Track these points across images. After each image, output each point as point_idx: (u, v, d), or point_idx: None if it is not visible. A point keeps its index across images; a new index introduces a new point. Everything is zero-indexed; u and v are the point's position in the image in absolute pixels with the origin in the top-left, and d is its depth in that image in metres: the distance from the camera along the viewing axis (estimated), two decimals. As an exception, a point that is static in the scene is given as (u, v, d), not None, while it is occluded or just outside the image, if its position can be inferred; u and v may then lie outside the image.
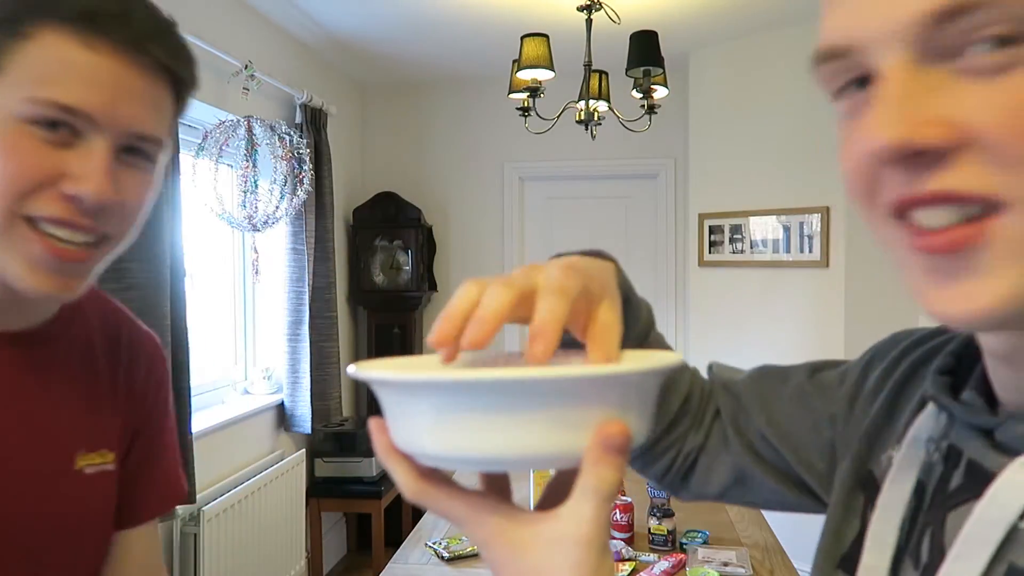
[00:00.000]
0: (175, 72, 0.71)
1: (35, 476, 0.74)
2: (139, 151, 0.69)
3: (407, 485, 0.40)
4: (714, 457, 0.67)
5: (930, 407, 0.45)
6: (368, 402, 4.25)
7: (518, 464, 0.36)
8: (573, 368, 0.35)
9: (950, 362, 0.47)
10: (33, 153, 0.63)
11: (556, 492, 0.41)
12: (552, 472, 0.43)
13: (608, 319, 0.43)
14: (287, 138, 2.90)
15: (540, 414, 0.34)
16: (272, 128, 2.88)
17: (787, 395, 0.64)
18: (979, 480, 0.38)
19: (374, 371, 0.36)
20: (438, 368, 0.42)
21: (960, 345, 0.48)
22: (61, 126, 0.64)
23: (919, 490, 0.44)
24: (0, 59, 0.63)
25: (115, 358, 0.84)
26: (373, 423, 0.41)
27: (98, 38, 0.64)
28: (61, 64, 0.63)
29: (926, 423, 0.45)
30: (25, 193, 0.64)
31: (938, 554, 0.40)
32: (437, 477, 0.40)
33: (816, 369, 0.65)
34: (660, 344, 0.68)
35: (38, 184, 0.64)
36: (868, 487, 0.49)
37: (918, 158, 0.33)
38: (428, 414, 0.36)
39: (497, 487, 0.43)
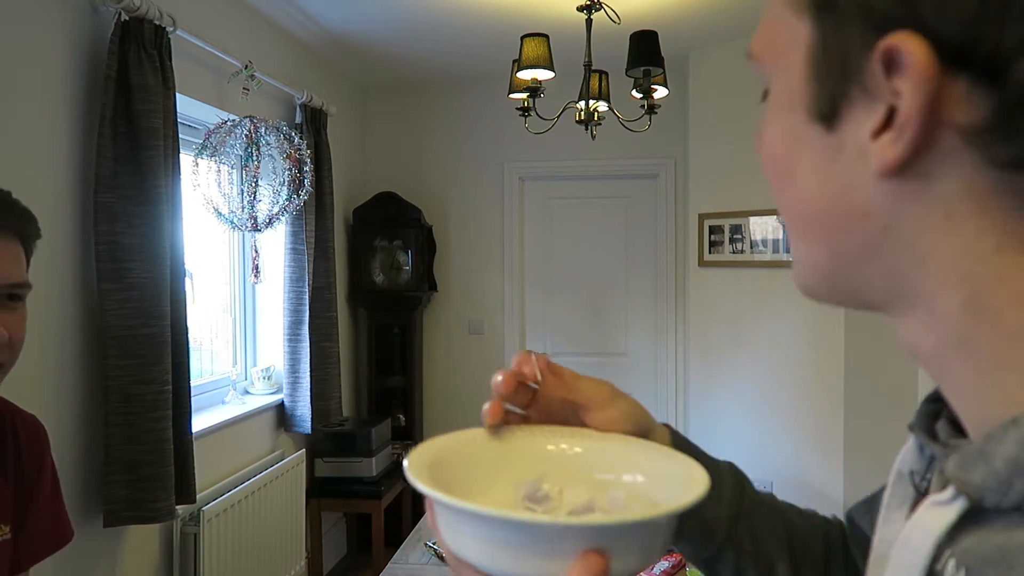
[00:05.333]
0: (23, 232, 0.96)
1: None
2: (13, 296, 0.94)
3: (448, 557, 0.46)
4: None
5: (912, 438, 0.42)
6: (368, 402, 4.25)
7: None
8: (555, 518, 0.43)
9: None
10: None
11: None
12: None
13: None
14: (291, 139, 2.90)
15: (535, 550, 0.40)
16: (277, 129, 2.88)
17: None
18: None
19: (419, 482, 0.44)
20: (483, 453, 0.53)
21: None
22: None
23: None
24: None
25: (3, 442, 1.04)
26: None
27: None
28: None
29: (908, 455, 0.41)
30: None
31: None
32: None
33: None
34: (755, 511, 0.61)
35: None
36: None
37: None
38: (447, 522, 0.44)
39: None
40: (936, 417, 0.41)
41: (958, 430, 0.39)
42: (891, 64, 0.31)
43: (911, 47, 0.31)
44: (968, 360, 0.34)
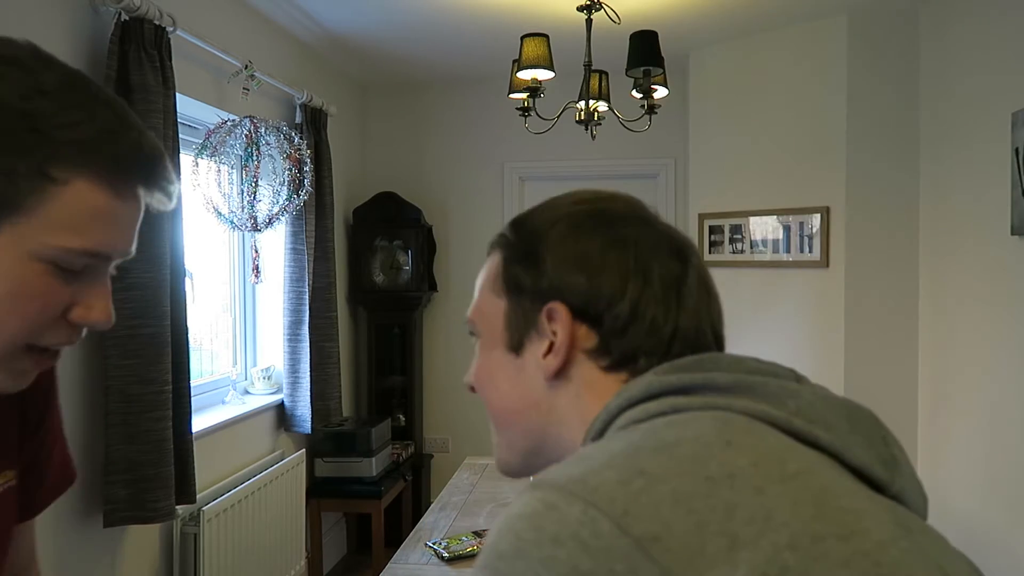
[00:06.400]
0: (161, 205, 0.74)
1: None
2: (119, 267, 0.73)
3: None
4: None
5: None
6: (368, 402, 4.25)
7: None
8: None
9: None
10: (52, 293, 0.64)
11: None
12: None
13: None
14: (291, 139, 2.90)
15: None
16: (277, 129, 2.88)
17: None
18: None
19: None
20: None
21: None
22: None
23: None
24: (25, 199, 0.61)
25: None
26: None
27: (129, 187, 0.66)
28: (93, 213, 0.64)
29: None
30: (40, 330, 0.65)
31: None
32: None
33: None
34: None
35: (53, 320, 0.66)
36: None
37: None
38: None
39: None
40: None
41: None
42: (550, 317, 0.62)
43: (559, 309, 0.62)
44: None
